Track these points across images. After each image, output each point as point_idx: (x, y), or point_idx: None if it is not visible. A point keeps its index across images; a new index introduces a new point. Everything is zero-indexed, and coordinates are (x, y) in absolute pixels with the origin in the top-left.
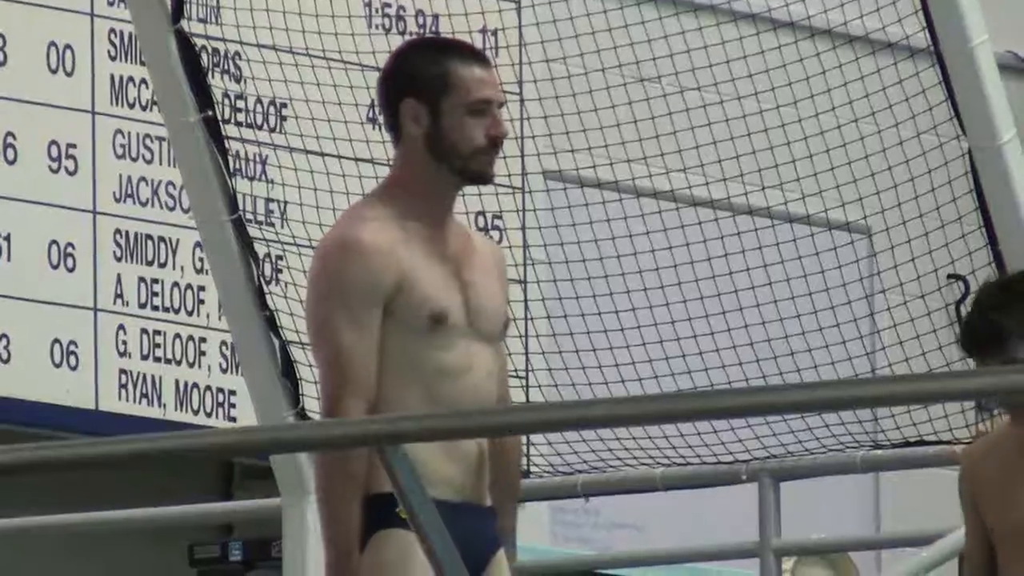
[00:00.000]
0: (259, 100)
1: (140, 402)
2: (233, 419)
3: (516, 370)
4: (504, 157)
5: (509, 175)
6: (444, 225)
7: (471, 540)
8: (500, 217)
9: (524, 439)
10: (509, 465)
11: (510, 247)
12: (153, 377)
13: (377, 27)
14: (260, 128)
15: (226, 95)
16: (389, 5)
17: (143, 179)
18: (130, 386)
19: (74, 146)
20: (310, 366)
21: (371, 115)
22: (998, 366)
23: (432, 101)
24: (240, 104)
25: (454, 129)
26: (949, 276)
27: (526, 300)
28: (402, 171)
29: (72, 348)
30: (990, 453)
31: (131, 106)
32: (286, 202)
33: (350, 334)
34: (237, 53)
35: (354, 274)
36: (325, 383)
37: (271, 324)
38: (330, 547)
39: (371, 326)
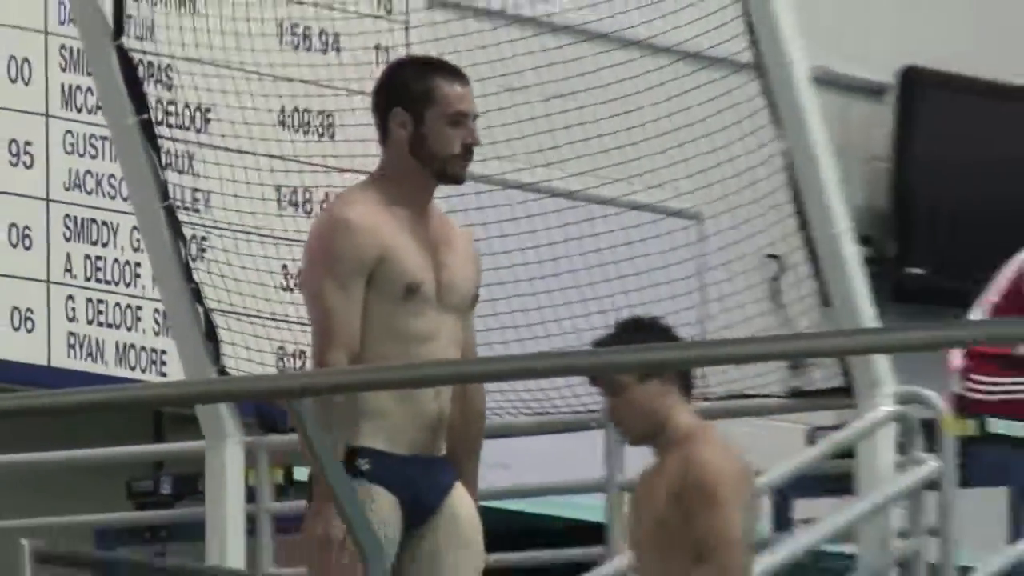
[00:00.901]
0: (187, 105)
1: (86, 360)
2: (164, 374)
3: None
4: None
5: None
6: (424, 213)
7: (420, 488)
8: None
9: (486, 397)
10: (472, 419)
11: None
12: (97, 339)
13: (287, 44)
14: (187, 129)
15: (159, 101)
16: (296, 25)
17: (89, 172)
18: (77, 347)
19: (31, 144)
20: (228, 330)
21: (281, 119)
22: (775, 335)
23: (417, 111)
24: (171, 108)
25: (434, 136)
26: (767, 255)
27: None
28: (387, 166)
29: (28, 314)
30: (639, 481)
31: (79, 110)
32: (209, 192)
33: (337, 298)
34: (169, 66)
35: (342, 248)
36: (315, 338)
37: (196, 295)
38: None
39: (355, 292)
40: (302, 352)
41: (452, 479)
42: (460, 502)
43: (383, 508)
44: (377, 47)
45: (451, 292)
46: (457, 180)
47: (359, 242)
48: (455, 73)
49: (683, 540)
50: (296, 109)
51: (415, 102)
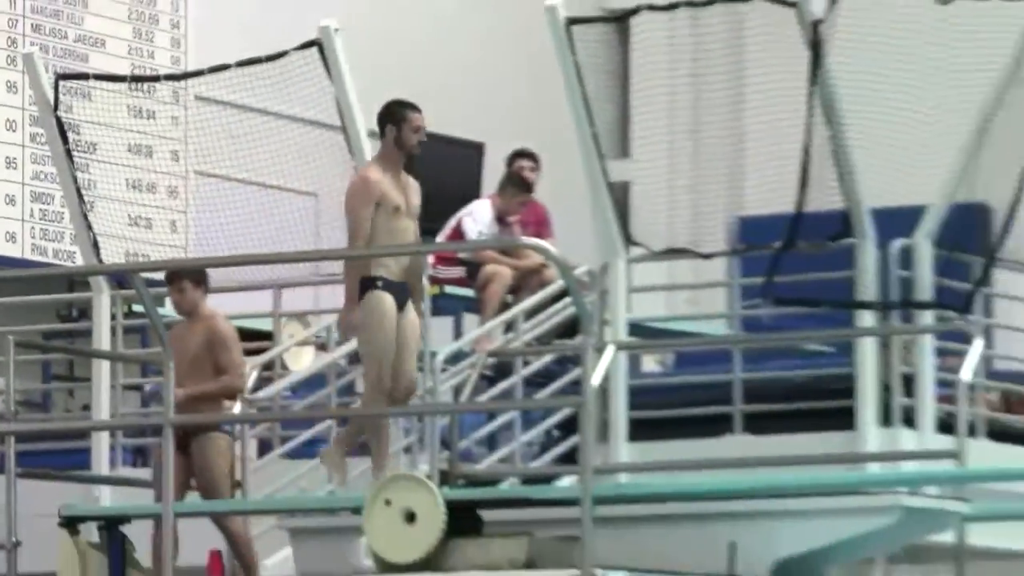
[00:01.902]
0: (86, 142)
1: (41, 256)
2: (75, 262)
3: None
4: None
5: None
6: (399, 174)
7: (398, 297)
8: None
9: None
10: (416, 266)
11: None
12: (45, 247)
13: (131, 114)
14: (85, 152)
15: (73, 140)
16: (134, 106)
17: (43, 171)
18: (38, 251)
19: (15, 159)
20: (104, 244)
21: (128, 148)
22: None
23: (398, 126)
24: (78, 143)
25: (406, 138)
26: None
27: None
28: (384, 152)
29: (13, 234)
30: (174, 335)
31: (38, 143)
32: (96, 181)
33: (362, 215)
34: (77, 124)
35: (362, 190)
36: (349, 233)
37: (89, 227)
38: (347, 294)
39: (369, 212)
40: (136, 253)
41: (408, 295)
42: (412, 311)
43: (388, 302)
44: (173, 118)
45: (412, 210)
46: (413, 158)
47: (372, 187)
48: (415, 107)
49: (209, 366)
50: (137, 144)
51: (397, 121)
